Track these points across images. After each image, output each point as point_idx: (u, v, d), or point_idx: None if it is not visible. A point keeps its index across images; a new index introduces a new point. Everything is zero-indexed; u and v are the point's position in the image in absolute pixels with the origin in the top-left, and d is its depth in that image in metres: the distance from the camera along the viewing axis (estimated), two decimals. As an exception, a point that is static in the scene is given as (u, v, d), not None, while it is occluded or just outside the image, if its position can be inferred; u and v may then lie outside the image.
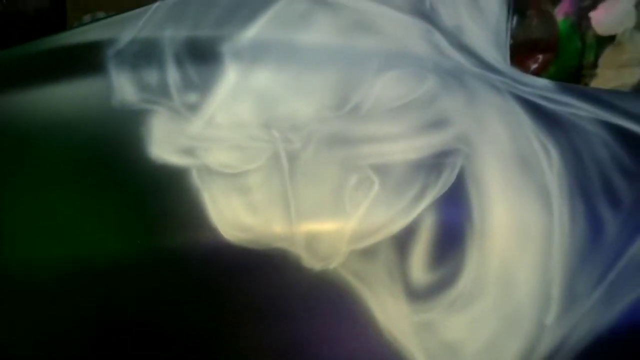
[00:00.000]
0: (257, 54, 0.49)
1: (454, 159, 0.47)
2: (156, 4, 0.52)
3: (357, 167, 0.46)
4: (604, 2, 0.91)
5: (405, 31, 0.52)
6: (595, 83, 0.91)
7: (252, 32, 0.50)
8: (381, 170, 0.46)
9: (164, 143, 0.47)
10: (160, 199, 0.46)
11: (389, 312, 0.46)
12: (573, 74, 0.93)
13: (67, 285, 0.46)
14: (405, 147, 0.47)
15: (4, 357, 0.49)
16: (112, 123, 0.48)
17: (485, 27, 0.56)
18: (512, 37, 0.84)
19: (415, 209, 0.46)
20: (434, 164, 0.47)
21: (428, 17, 0.53)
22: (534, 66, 0.85)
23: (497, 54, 0.56)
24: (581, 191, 0.48)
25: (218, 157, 0.46)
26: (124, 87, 0.48)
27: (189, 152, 0.46)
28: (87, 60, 0.50)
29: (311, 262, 0.45)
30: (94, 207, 0.46)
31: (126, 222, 0.46)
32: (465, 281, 0.46)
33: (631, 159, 0.50)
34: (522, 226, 0.47)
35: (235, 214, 0.45)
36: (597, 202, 0.48)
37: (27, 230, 0.46)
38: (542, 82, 0.55)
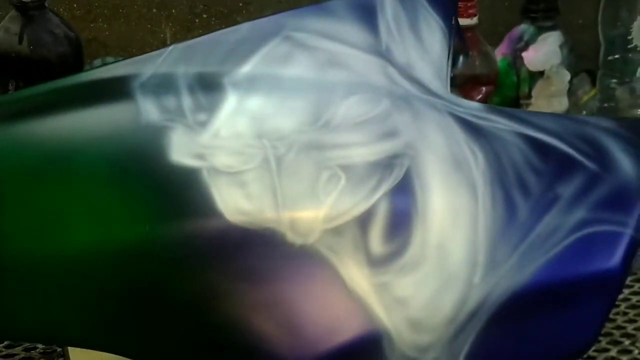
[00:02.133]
0: (251, 84, 0.61)
1: (402, 160, 0.60)
2: (171, 47, 0.63)
3: (328, 166, 0.58)
4: (533, 44, 1.07)
5: (366, 66, 0.64)
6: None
7: (247, 68, 0.61)
8: (347, 168, 0.58)
9: (182, 150, 0.58)
10: (179, 192, 0.57)
11: (354, 275, 0.57)
12: (512, 103, 1.08)
13: (107, 261, 0.57)
14: (365, 151, 0.60)
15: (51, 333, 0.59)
16: (141, 137, 0.59)
17: (430, 63, 0.69)
18: (459, 73, 0.99)
19: (373, 197, 0.58)
20: (388, 163, 0.59)
21: (384, 55, 0.65)
22: (478, 97, 1.00)
23: (438, 83, 0.69)
24: (500, 184, 0.61)
25: (223, 160, 0.58)
26: (149, 110, 0.60)
27: (200, 157, 0.58)
28: (118, 90, 0.61)
29: (294, 238, 0.57)
30: (128, 200, 0.58)
31: (154, 210, 0.58)
32: (412, 251, 0.58)
33: (539, 159, 0.63)
34: (454, 210, 0.60)
35: (236, 202, 0.57)
36: (512, 192, 0.61)
37: (75, 218, 0.58)
38: (473, 104, 0.68)
